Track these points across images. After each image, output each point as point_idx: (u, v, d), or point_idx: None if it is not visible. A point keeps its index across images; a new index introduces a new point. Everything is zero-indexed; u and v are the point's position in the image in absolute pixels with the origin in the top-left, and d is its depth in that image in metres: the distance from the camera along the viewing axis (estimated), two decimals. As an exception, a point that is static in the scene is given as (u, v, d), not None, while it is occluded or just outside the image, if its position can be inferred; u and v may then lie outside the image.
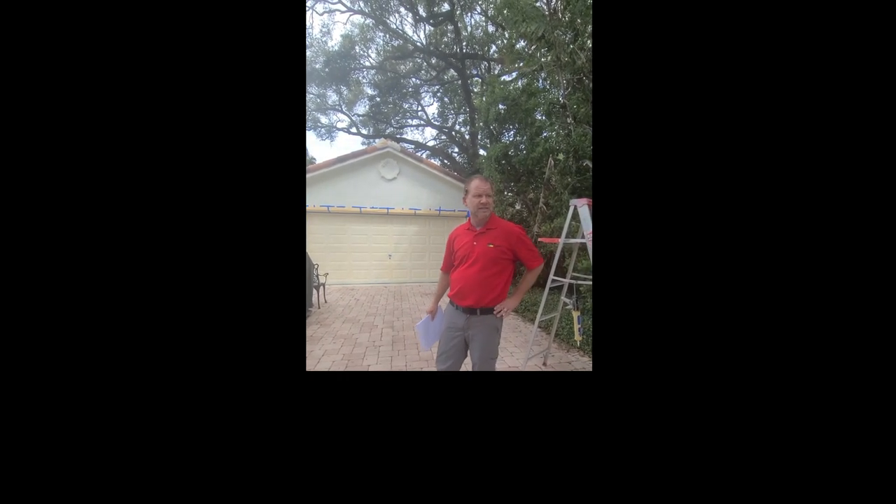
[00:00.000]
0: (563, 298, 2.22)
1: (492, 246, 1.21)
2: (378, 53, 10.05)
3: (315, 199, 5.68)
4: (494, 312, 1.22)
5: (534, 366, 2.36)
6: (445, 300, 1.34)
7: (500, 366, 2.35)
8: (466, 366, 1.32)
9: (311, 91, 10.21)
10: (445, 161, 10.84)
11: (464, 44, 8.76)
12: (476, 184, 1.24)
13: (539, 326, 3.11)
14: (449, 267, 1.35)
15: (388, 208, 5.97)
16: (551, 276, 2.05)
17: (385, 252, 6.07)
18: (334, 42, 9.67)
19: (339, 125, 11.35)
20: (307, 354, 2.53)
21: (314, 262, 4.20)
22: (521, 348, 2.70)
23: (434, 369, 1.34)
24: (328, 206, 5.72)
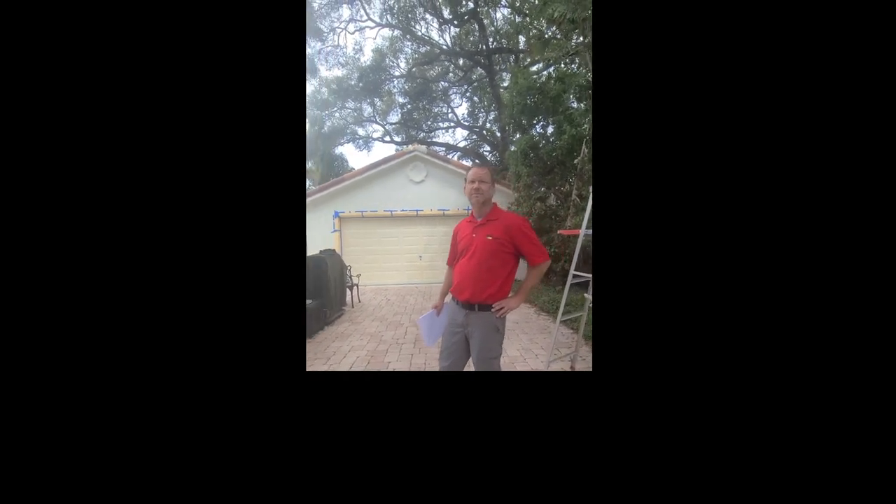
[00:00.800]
0: (586, 295, 2.02)
1: (490, 238, 1.15)
2: (407, 62, 10.39)
3: (350, 204, 6.05)
4: (493, 310, 1.15)
5: (559, 369, 2.18)
6: None
7: (523, 368, 2.22)
8: (471, 366, 1.26)
9: (349, 106, 10.96)
10: (476, 160, 10.75)
11: (490, 39, 8.62)
12: (472, 170, 1.21)
13: (570, 328, 2.89)
14: (453, 260, 1.32)
15: (417, 210, 6.11)
16: (572, 272, 1.87)
17: (416, 253, 6.21)
18: (366, 57, 10.24)
19: (375, 135, 11.99)
20: (336, 351, 2.68)
21: (347, 265, 4.47)
22: (548, 350, 2.53)
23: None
24: (362, 211, 6.05)
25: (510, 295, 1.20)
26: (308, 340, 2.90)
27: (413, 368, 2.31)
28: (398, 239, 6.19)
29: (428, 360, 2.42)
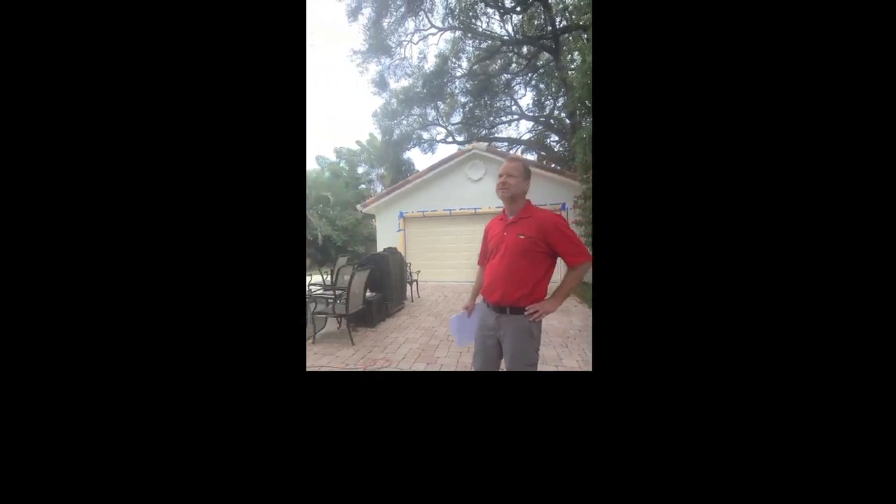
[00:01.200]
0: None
1: (522, 237, 1.07)
2: (468, 60, 10.43)
3: (413, 205, 6.44)
4: (526, 313, 1.06)
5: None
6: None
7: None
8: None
9: (414, 112, 11.66)
10: (542, 153, 10.09)
11: (557, 19, 7.94)
12: (502, 165, 1.14)
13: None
14: (484, 260, 1.27)
15: (475, 208, 6.09)
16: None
17: (473, 251, 6.19)
18: (430, 64, 10.67)
19: (438, 137, 12.44)
20: (392, 341, 2.90)
21: (408, 262, 4.78)
22: (614, 363, 2.20)
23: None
24: (423, 211, 6.36)
25: (547, 297, 1.09)
26: (371, 330, 3.22)
27: (460, 367, 2.32)
28: (456, 237, 6.30)
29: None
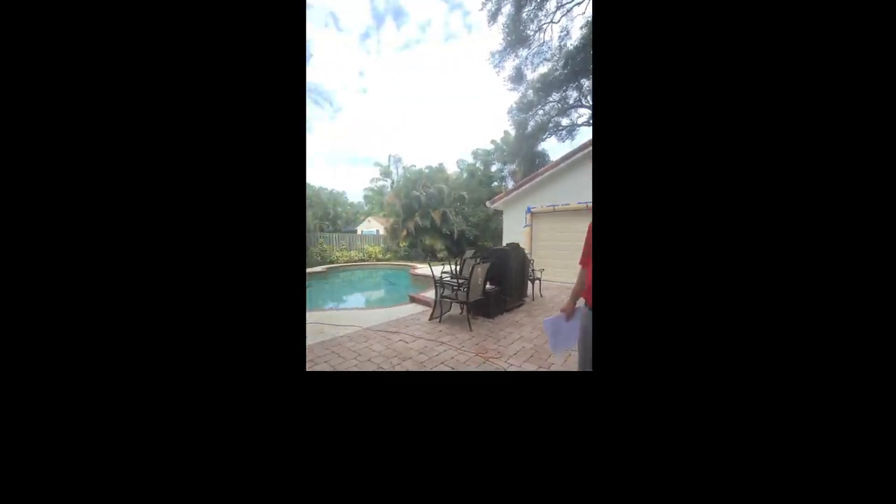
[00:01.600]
0: None
1: None
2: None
3: (543, 199, 6.09)
4: None
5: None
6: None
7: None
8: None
9: (552, 99, 10.80)
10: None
11: None
12: None
13: None
14: (587, 260, 1.11)
15: (620, 200, 5.03)
16: None
17: (616, 251, 5.17)
18: (573, 39, 9.51)
19: (580, 120, 11.02)
20: (507, 335, 2.94)
21: (531, 259, 4.60)
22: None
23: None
24: (553, 206, 5.89)
25: None
26: (489, 320, 3.38)
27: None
28: (592, 234, 5.44)
29: (598, 376, 2.06)
